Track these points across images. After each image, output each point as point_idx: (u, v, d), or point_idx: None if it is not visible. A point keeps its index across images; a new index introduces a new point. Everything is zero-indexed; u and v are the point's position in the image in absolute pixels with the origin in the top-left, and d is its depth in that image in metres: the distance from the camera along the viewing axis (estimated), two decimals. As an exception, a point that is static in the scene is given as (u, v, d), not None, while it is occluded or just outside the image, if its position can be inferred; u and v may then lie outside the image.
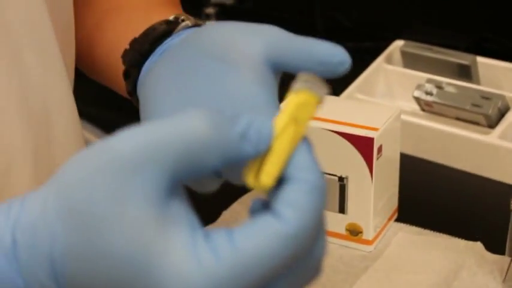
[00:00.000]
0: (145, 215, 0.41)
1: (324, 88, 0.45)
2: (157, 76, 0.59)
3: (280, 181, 0.44)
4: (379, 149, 0.86)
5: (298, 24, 1.52)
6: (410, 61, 1.16)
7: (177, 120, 0.43)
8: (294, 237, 0.42)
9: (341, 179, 0.88)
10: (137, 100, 0.63)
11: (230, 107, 0.53)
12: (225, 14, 1.56)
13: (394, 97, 1.14)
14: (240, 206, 0.94)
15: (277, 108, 0.54)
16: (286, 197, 0.43)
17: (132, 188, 0.42)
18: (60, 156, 0.68)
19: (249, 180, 0.43)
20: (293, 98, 0.45)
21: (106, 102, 1.20)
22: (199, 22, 0.66)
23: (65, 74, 0.69)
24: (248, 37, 0.55)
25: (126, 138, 0.43)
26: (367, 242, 0.89)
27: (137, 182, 0.42)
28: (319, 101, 0.45)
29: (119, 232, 0.41)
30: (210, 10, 1.56)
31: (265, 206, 0.45)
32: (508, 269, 0.83)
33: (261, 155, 0.44)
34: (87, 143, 0.68)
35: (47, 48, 0.66)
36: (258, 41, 0.55)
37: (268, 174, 0.43)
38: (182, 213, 0.43)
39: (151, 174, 0.42)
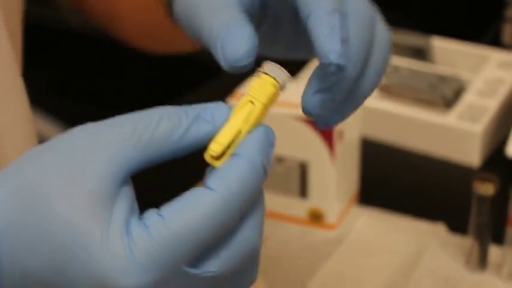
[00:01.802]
0: (91, 196, 0.43)
1: (285, 74, 0.48)
2: None
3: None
4: (340, 133, 0.86)
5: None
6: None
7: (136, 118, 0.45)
8: (219, 205, 0.43)
9: (302, 163, 0.87)
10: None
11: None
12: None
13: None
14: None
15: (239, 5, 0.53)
16: (217, 170, 0.45)
17: (85, 165, 0.43)
18: (8, 147, 0.66)
19: (206, 156, 0.45)
20: (254, 80, 0.48)
21: (58, 90, 1.18)
22: None
23: (14, 63, 0.67)
24: None
25: (83, 137, 0.44)
26: (330, 226, 0.89)
27: (93, 160, 0.43)
28: (280, 85, 0.48)
29: (61, 210, 0.42)
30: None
31: None
32: (471, 253, 0.83)
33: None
34: (38, 133, 0.66)
35: None
36: None
37: (216, 141, 0.45)
38: (126, 200, 0.44)
39: (106, 158, 0.43)
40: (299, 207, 0.89)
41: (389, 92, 1.08)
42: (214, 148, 0.45)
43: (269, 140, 0.46)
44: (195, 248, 0.43)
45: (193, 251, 0.43)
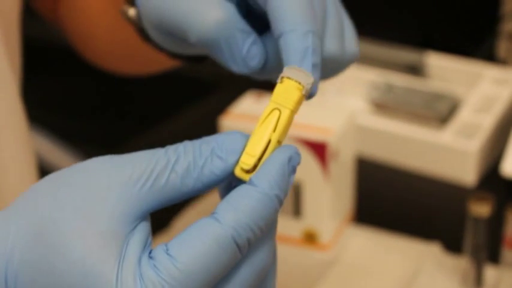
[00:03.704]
0: (105, 237, 0.42)
1: (308, 77, 0.47)
2: None
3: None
4: (334, 153, 0.85)
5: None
6: (361, 58, 1.15)
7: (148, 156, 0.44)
8: (228, 240, 0.42)
9: (295, 183, 0.86)
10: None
11: None
12: None
13: (344, 94, 1.13)
14: (192, 211, 0.93)
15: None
16: (229, 199, 0.43)
17: (100, 205, 0.42)
18: (6, 166, 0.66)
19: (236, 170, 0.44)
20: (277, 87, 0.46)
21: (54, 105, 1.18)
22: None
23: (12, 81, 0.66)
24: None
25: (103, 169, 0.44)
26: (325, 247, 0.88)
27: (108, 201, 0.43)
28: (304, 88, 0.46)
29: (74, 251, 0.42)
30: None
31: None
32: (466, 273, 0.82)
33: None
34: (36, 152, 0.66)
35: None
36: None
37: (248, 153, 0.44)
38: (141, 237, 0.43)
39: (121, 198, 0.43)
40: (293, 227, 0.89)
41: (384, 109, 1.08)
42: (247, 161, 0.44)
43: (291, 167, 0.45)
44: (205, 283, 0.42)
45: (204, 286, 0.42)
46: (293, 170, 0.45)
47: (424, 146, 1.02)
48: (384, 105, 1.08)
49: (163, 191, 0.44)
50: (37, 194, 0.44)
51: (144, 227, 0.44)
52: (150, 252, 0.43)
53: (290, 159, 0.44)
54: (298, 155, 0.45)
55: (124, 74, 0.80)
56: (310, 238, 0.88)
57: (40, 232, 0.42)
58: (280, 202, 0.44)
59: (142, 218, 0.44)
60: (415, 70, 1.13)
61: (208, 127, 1.16)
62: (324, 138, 0.84)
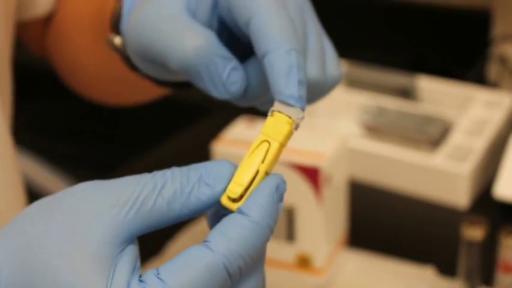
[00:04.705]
0: (92, 260, 0.42)
1: (298, 111, 0.47)
2: None
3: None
4: (327, 178, 0.85)
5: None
6: (352, 81, 1.15)
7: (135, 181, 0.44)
8: (219, 268, 0.43)
9: (288, 208, 0.86)
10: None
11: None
12: None
13: (336, 117, 1.14)
14: (185, 237, 0.92)
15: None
16: (220, 227, 0.44)
17: (87, 229, 0.43)
18: None
19: (222, 199, 0.45)
20: (268, 120, 0.47)
21: (43, 129, 1.17)
22: None
23: (1, 114, 0.66)
24: None
25: (91, 193, 0.44)
26: (319, 271, 0.88)
27: (95, 224, 0.43)
28: (295, 122, 0.47)
29: (62, 275, 0.42)
30: None
31: None
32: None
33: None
34: (25, 175, 0.65)
35: None
36: None
37: (235, 182, 0.45)
38: (129, 260, 0.43)
39: (108, 222, 0.43)
40: (286, 252, 0.88)
41: (375, 133, 1.08)
42: (234, 189, 0.44)
43: (279, 195, 0.45)
44: None
45: None
46: (280, 198, 0.45)
47: (416, 170, 1.02)
48: (376, 128, 1.08)
49: (150, 214, 0.44)
50: (25, 220, 0.44)
51: (132, 251, 0.44)
52: (140, 276, 0.43)
53: (277, 187, 0.45)
54: (284, 182, 0.46)
55: (112, 104, 0.80)
56: (303, 262, 0.88)
57: (27, 257, 0.42)
58: (271, 230, 0.45)
59: (129, 242, 0.44)
60: (407, 93, 1.13)
61: (199, 153, 1.16)
62: (316, 163, 0.84)
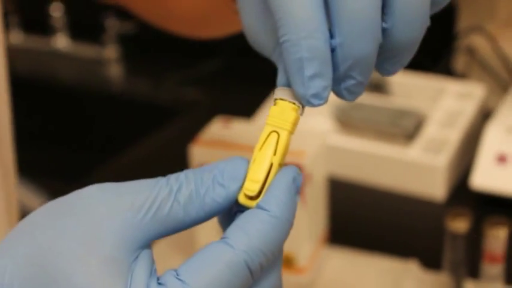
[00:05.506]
0: (108, 264, 0.41)
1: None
2: None
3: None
4: (308, 176, 0.85)
5: (201, 50, 1.50)
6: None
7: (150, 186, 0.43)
8: (240, 265, 0.42)
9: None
10: None
11: None
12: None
13: (309, 113, 1.13)
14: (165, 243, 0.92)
15: None
16: (239, 223, 0.43)
17: (102, 233, 0.42)
18: None
19: (240, 197, 0.44)
20: (272, 109, 0.45)
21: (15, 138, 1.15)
22: None
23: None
24: None
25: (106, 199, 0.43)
26: (302, 270, 0.87)
27: (110, 229, 0.42)
28: (299, 107, 0.45)
29: (77, 281, 0.41)
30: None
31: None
32: None
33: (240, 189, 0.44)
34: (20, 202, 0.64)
35: None
36: None
37: (251, 179, 0.44)
38: (146, 264, 0.43)
39: (123, 227, 0.42)
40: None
41: (350, 128, 1.08)
42: (251, 187, 0.43)
43: (296, 188, 0.44)
44: None
45: None
46: (297, 191, 0.44)
47: (392, 163, 1.02)
48: (350, 124, 1.08)
49: (166, 220, 0.43)
50: (33, 226, 0.43)
51: (148, 255, 0.43)
52: (158, 279, 0.42)
53: (294, 180, 0.44)
54: (300, 174, 0.45)
55: (202, 37, 0.76)
56: (287, 262, 0.87)
57: (40, 263, 0.41)
58: (291, 225, 0.44)
59: (145, 247, 0.43)
60: (379, 88, 1.13)
61: (169, 154, 1.15)
62: (298, 161, 0.83)
